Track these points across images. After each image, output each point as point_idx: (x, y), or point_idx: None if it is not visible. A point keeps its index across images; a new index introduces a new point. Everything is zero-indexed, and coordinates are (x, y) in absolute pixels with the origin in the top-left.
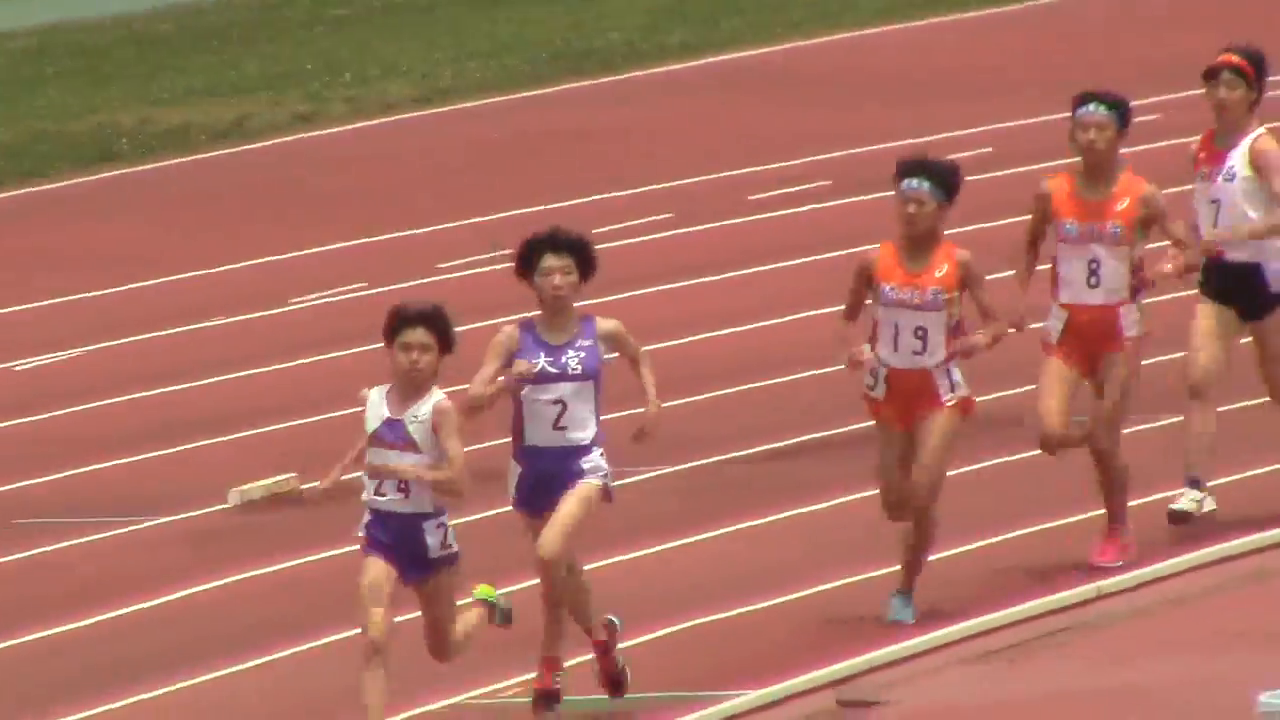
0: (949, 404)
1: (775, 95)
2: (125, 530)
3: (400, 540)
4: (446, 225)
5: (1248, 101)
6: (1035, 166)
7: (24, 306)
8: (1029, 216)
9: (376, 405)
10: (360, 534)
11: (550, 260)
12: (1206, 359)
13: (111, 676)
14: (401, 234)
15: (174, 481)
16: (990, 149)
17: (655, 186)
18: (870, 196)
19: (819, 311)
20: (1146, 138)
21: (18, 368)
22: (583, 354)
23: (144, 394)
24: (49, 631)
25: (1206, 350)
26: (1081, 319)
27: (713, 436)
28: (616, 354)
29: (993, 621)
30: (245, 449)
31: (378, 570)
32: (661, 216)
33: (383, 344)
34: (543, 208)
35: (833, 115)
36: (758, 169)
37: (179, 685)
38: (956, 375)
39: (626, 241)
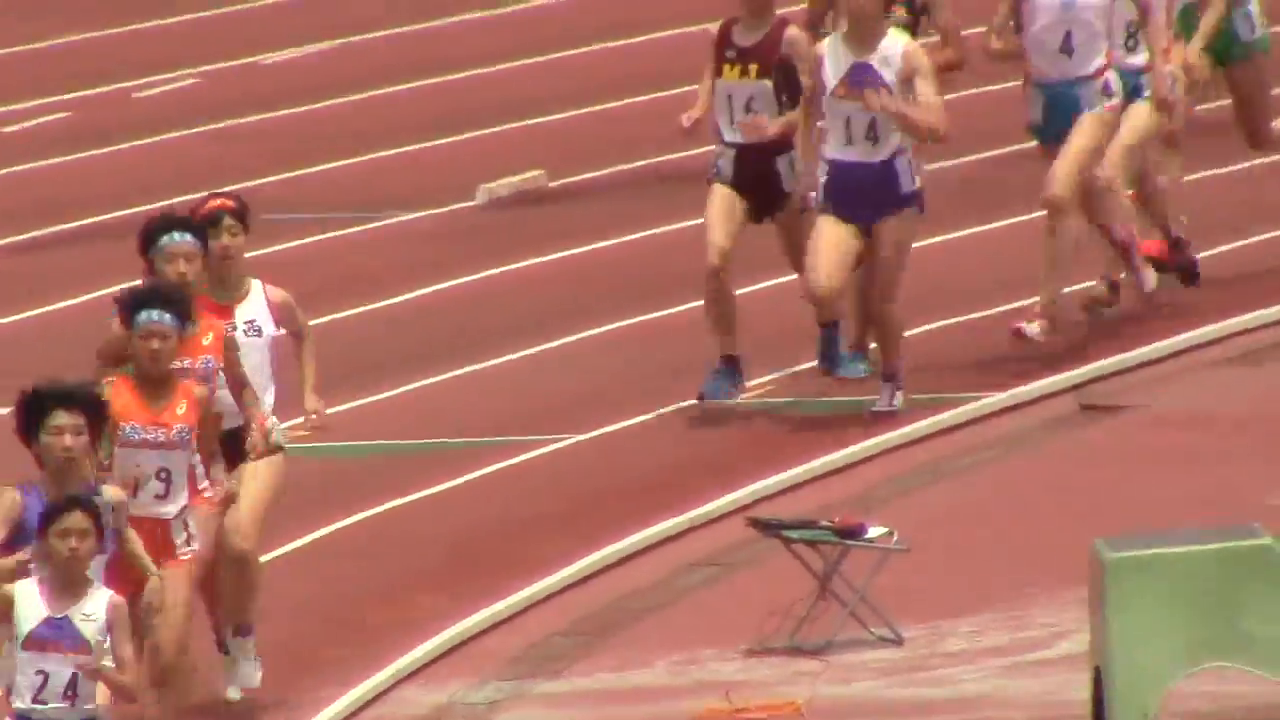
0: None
1: None
2: (374, 226)
3: None
4: None
5: None
6: None
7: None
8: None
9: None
10: None
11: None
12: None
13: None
14: None
15: (421, 179)
16: None
17: None
18: None
19: None
20: None
21: (266, 61)
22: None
23: (390, 89)
24: None
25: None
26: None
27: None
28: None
29: (1235, 326)
30: (494, 144)
31: None
32: None
33: None
34: None
35: None
36: None
37: (413, 385)
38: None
39: None
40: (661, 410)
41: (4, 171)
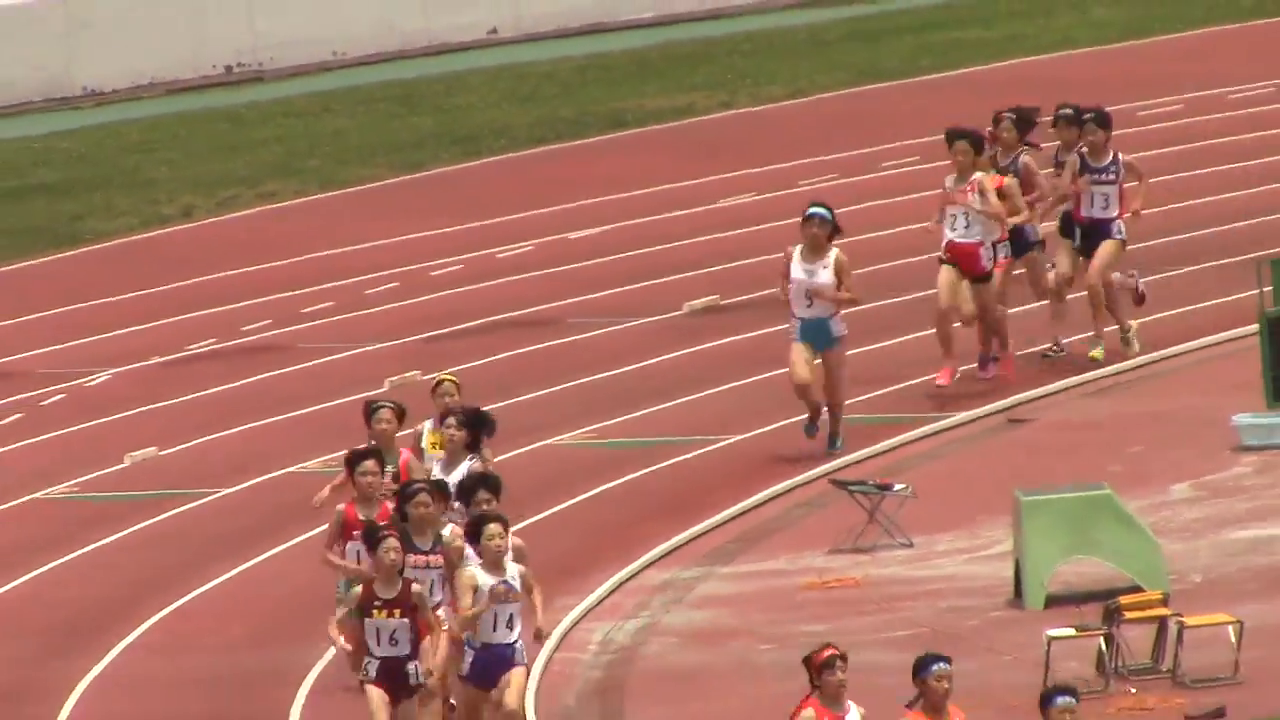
0: None
1: None
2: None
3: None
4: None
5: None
6: None
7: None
8: None
9: None
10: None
11: None
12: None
13: None
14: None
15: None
16: None
17: None
18: None
19: None
20: None
21: (573, 236)
22: None
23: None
24: None
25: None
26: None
27: None
28: None
29: (1111, 370)
30: (691, 279)
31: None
32: None
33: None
34: None
35: None
36: None
37: (680, 400)
38: None
39: None
40: (783, 422)
41: (496, 282)
